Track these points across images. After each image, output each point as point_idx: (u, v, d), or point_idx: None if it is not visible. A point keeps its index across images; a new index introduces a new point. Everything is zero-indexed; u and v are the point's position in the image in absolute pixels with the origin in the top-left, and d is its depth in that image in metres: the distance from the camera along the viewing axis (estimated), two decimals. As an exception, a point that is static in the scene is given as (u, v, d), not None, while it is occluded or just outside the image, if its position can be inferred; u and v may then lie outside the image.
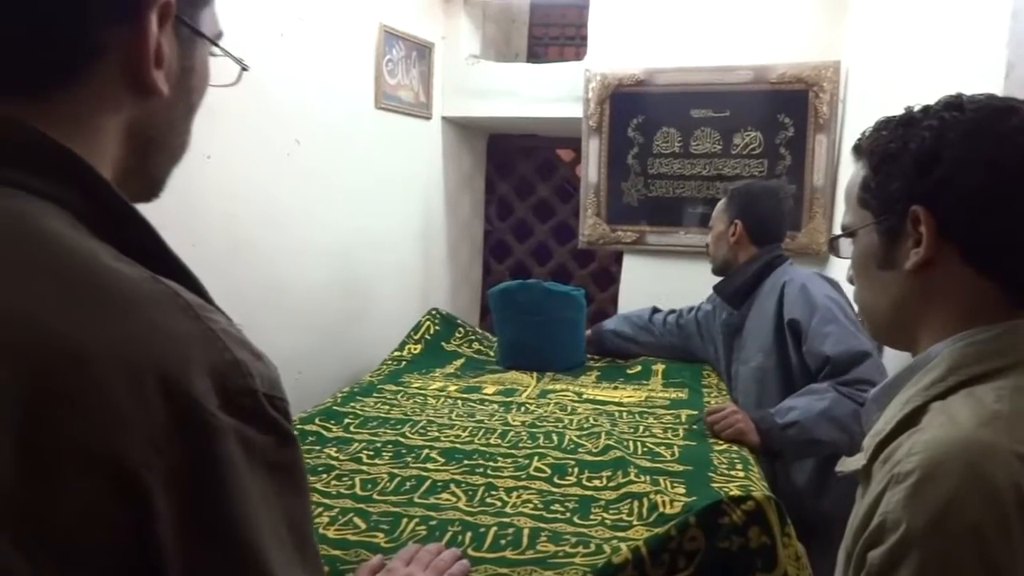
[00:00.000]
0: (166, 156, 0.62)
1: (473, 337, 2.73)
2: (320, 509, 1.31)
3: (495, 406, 1.96)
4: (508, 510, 1.32)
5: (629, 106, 2.89)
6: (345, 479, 1.45)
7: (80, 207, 0.50)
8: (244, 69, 0.70)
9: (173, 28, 0.56)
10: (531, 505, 1.34)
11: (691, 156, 2.84)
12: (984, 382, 0.71)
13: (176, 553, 0.43)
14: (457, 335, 2.71)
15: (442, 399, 2.02)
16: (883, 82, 2.19)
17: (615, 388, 2.18)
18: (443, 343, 2.63)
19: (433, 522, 1.27)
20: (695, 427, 1.78)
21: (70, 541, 0.41)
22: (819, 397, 1.78)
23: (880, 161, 0.80)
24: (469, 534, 1.22)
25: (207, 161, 2.09)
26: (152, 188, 0.63)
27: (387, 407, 1.93)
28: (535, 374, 2.29)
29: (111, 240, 0.50)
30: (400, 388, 2.11)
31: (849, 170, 0.90)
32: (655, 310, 2.58)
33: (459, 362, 2.46)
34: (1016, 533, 0.60)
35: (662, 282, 2.89)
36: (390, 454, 1.58)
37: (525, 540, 1.20)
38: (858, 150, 0.85)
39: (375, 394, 2.04)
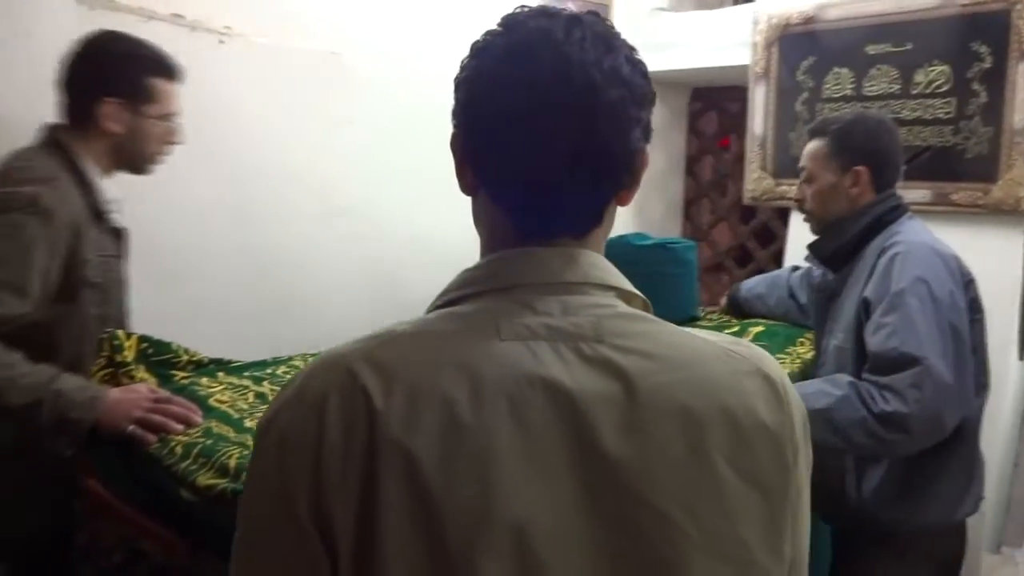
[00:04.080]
0: None
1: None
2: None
3: None
4: None
5: (798, 48, 2.62)
6: None
7: None
8: None
9: None
10: None
11: (864, 99, 2.49)
12: (458, 304, 0.70)
13: None
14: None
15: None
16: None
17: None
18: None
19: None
20: None
21: None
22: (830, 390, 1.55)
23: None
24: None
25: (349, 127, 2.47)
26: None
27: None
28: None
29: None
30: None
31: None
32: (795, 268, 2.36)
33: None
34: (309, 437, 0.61)
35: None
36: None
37: None
38: None
39: None
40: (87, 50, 1.60)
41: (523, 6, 0.73)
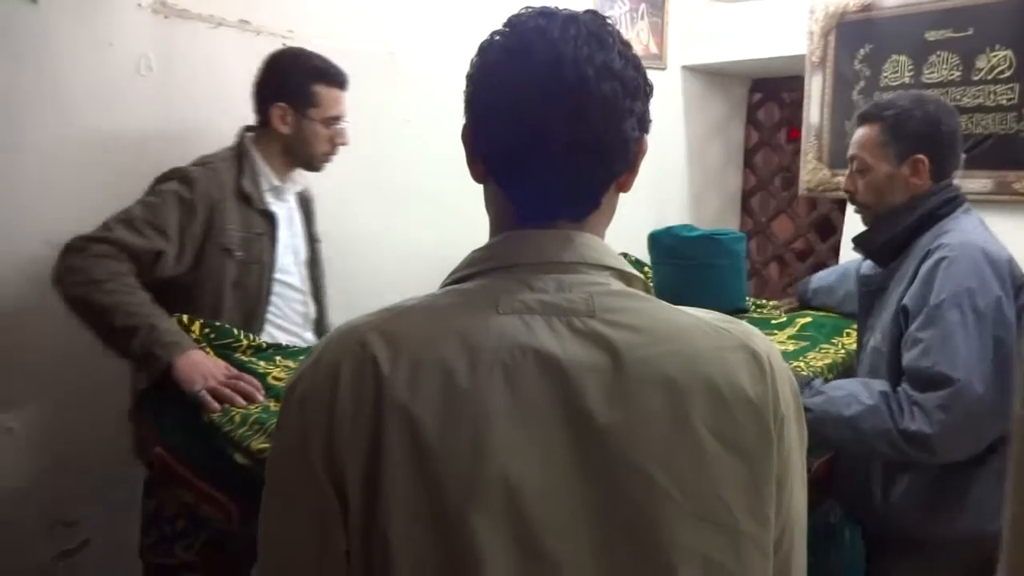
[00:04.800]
0: None
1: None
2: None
3: None
4: None
5: (855, 36, 2.58)
6: None
7: None
8: None
9: None
10: None
11: (924, 86, 2.44)
12: (464, 281, 0.76)
13: None
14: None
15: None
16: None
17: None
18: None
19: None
20: None
21: None
22: (860, 397, 1.50)
23: None
24: None
25: (407, 124, 2.57)
26: None
27: None
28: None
29: None
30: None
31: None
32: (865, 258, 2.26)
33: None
34: (323, 399, 0.68)
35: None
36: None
37: None
38: None
39: None
40: (267, 63, 1.88)
41: (528, 7, 0.79)
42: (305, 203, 2.05)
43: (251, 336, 1.73)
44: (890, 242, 1.65)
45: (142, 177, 2.11)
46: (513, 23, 0.76)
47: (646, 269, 2.83)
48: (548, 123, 0.71)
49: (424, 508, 0.66)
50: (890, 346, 1.58)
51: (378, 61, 2.49)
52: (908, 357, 1.48)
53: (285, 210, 1.95)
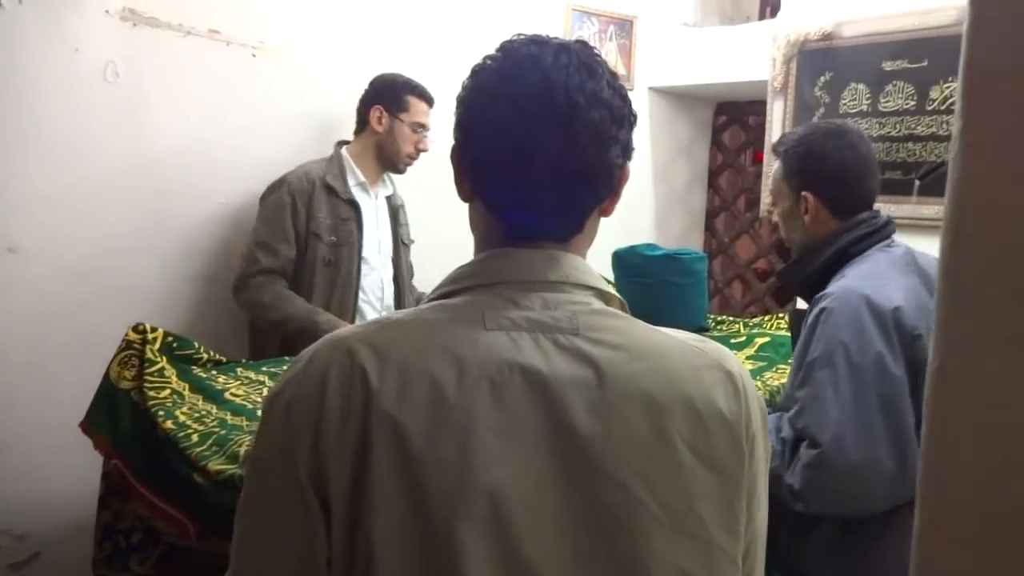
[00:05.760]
0: None
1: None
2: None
3: None
4: None
5: (816, 63, 2.66)
6: None
7: None
8: None
9: None
10: None
11: (880, 115, 2.51)
12: (450, 297, 0.78)
13: None
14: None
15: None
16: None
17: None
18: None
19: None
20: None
21: None
22: (771, 439, 1.34)
23: None
24: None
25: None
26: None
27: None
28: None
29: None
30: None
31: None
32: None
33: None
34: (311, 407, 0.69)
35: (844, 256, 2.61)
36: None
37: None
38: None
39: None
40: (372, 80, 2.28)
41: (520, 33, 0.81)
42: (394, 208, 2.37)
43: (211, 352, 1.72)
44: (806, 281, 1.54)
45: (105, 181, 2.10)
46: (506, 49, 0.78)
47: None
48: (538, 145, 0.73)
49: (409, 516, 0.66)
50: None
51: (350, 75, 2.50)
52: (789, 415, 1.41)
53: (371, 205, 2.29)
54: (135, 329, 1.60)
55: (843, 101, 2.61)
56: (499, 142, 0.75)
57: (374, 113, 2.23)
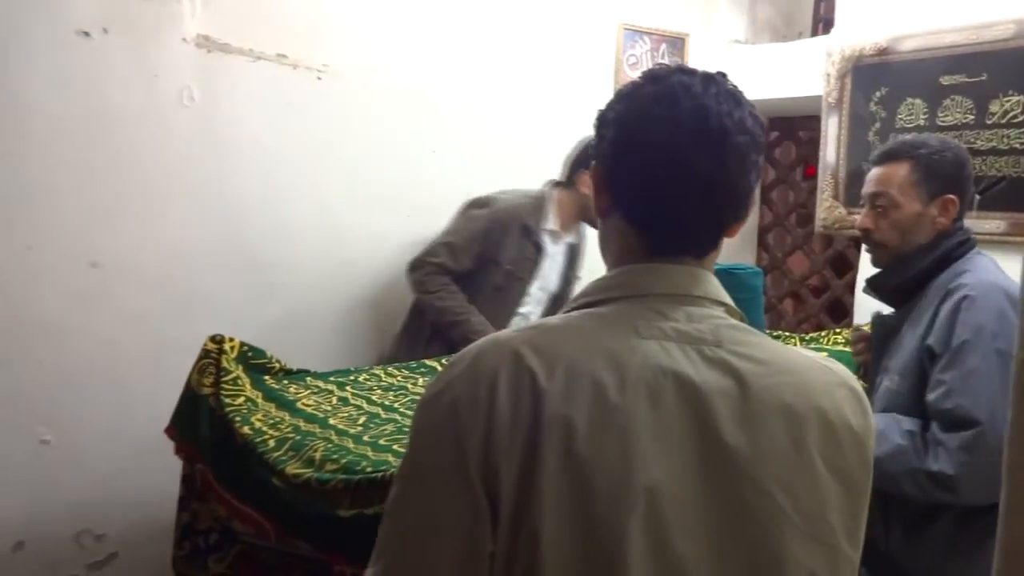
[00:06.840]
0: None
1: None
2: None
3: None
4: None
5: (871, 79, 2.65)
6: None
7: None
8: None
9: None
10: None
11: (938, 129, 2.49)
12: (595, 306, 0.82)
13: None
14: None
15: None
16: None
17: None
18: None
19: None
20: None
21: None
22: (888, 435, 1.46)
23: None
24: None
25: (432, 154, 2.65)
26: None
27: None
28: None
29: None
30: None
31: None
32: None
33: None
34: (481, 405, 0.73)
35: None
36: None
37: None
38: None
39: None
40: (582, 141, 2.32)
41: (660, 63, 0.87)
42: (572, 250, 2.53)
43: (281, 361, 1.80)
44: (905, 283, 1.62)
45: (181, 199, 2.21)
46: (656, 76, 0.83)
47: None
48: (691, 164, 0.79)
49: (575, 510, 0.71)
50: (909, 387, 1.55)
51: (409, 95, 2.58)
52: (932, 398, 1.47)
53: (555, 251, 2.47)
54: (212, 339, 1.68)
55: (899, 116, 2.60)
56: (655, 159, 0.80)
57: (583, 177, 2.30)
